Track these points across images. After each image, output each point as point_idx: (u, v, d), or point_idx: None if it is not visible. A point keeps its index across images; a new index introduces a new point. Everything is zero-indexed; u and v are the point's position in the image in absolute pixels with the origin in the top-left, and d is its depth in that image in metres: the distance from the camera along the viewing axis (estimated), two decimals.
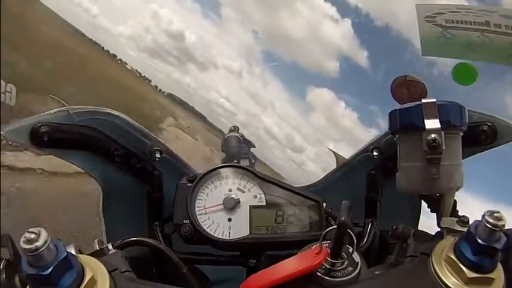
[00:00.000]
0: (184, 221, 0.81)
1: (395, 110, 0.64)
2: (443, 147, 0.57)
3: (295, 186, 0.90)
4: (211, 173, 0.87)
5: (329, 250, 0.58)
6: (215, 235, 0.81)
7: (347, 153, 1.00)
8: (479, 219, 0.48)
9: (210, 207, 0.83)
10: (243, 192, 0.85)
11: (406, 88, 0.82)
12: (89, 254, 0.59)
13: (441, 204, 0.62)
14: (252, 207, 0.84)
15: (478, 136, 0.76)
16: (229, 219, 0.83)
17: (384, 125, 0.78)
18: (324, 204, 0.87)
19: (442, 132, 0.57)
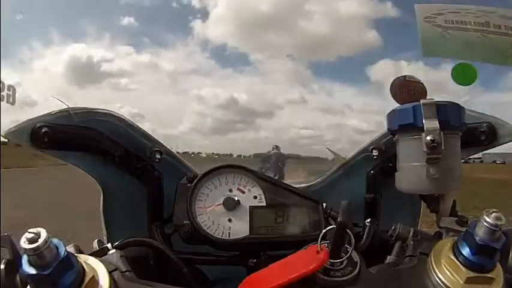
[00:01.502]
0: (184, 222, 0.81)
1: (395, 109, 0.64)
2: (443, 147, 0.57)
3: (295, 186, 0.91)
4: (211, 173, 0.87)
5: (328, 250, 0.58)
6: (215, 235, 0.81)
7: None
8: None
9: (210, 208, 0.83)
10: (243, 192, 0.86)
11: (406, 88, 0.82)
12: (89, 254, 0.59)
13: (440, 204, 0.62)
14: (252, 208, 0.84)
15: (478, 136, 0.76)
16: (230, 220, 0.83)
17: None
18: (324, 205, 0.87)
19: (441, 132, 0.57)
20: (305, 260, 0.59)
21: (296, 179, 1.07)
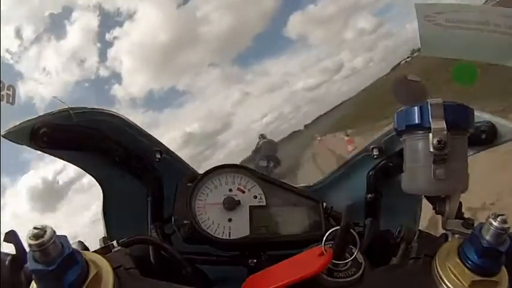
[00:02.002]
0: (184, 221, 0.81)
1: (402, 109, 0.63)
2: (450, 148, 0.57)
3: (295, 186, 0.90)
4: (212, 173, 0.86)
5: (332, 251, 0.58)
6: (215, 235, 0.81)
7: None
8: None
9: (210, 208, 0.83)
10: (243, 192, 0.85)
11: (407, 88, 0.82)
12: (94, 251, 0.59)
13: (446, 206, 0.62)
14: (252, 207, 0.84)
15: (478, 136, 0.76)
16: (230, 219, 0.83)
17: None
18: (324, 204, 0.87)
19: (448, 133, 0.57)
20: (309, 261, 0.59)
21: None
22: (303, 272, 0.57)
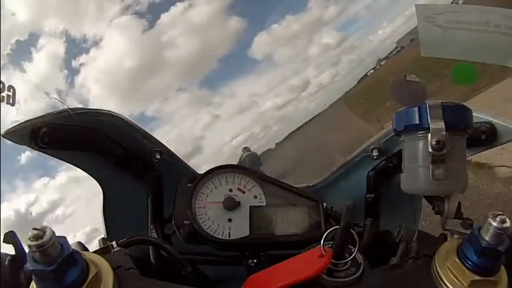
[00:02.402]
0: (184, 222, 0.81)
1: (401, 110, 0.63)
2: (448, 149, 0.57)
3: (295, 186, 0.90)
4: (212, 173, 0.86)
5: (332, 251, 0.58)
6: (215, 235, 0.81)
7: None
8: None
9: (210, 208, 0.83)
10: (243, 192, 0.85)
11: (406, 88, 0.82)
12: (93, 252, 0.59)
13: (445, 206, 0.62)
14: (252, 208, 0.84)
15: (478, 136, 0.76)
16: (230, 220, 0.83)
17: None
18: (324, 204, 0.87)
19: (447, 134, 0.57)
20: (309, 262, 0.59)
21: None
22: (303, 273, 0.57)
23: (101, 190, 0.90)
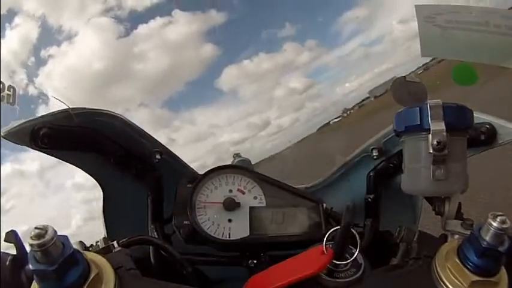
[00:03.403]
0: (184, 222, 0.81)
1: (401, 111, 0.63)
2: (449, 149, 0.57)
3: (295, 187, 0.90)
4: (211, 173, 0.86)
5: (333, 251, 0.58)
6: (215, 236, 0.80)
7: None
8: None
9: (210, 208, 0.83)
10: (243, 193, 0.85)
11: (406, 88, 0.82)
12: (94, 251, 0.59)
13: (446, 207, 0.62)
14: (252, 208, 0.84)
15: (478, 137, 0.76)
16: (230, 220, 0.82)
17: None
18: (324, 205, 0.87)
19: (448, 134, 0.57)
20: (310, 261, 0.59)
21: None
22: (304, 271, 0.57)
23: (101, 190, 0.90)
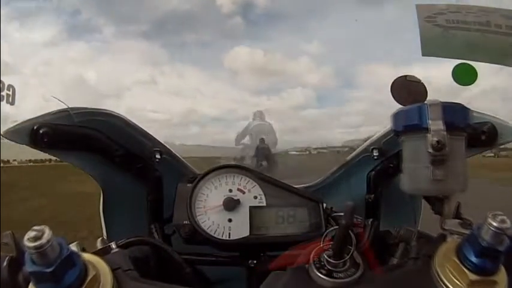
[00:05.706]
0: (184, 222, 0.81)
1: (400, 110, 0.63)
2: (448, 149, 0.57)
3: (295, 186, 0.90)
4: (211, 173, 0.86)
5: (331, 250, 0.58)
6: (215, 236, 0.80)
7: None
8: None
9: (210, 208, 0.83)
10: (244, 192, 0.85)
11: (406, 88, 0.82)
12: (92, 253, 0.59)
13: (444, 206, 0.62)
14: (252, 208, 0.83)
15: (479, 136, 0.76)
16: (230, 220, 0.82)
17: None
18: (324, 205, 0.86)
19: (446, 134, 0.57)
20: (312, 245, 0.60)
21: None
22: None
23: (101, 190, 0.90)
